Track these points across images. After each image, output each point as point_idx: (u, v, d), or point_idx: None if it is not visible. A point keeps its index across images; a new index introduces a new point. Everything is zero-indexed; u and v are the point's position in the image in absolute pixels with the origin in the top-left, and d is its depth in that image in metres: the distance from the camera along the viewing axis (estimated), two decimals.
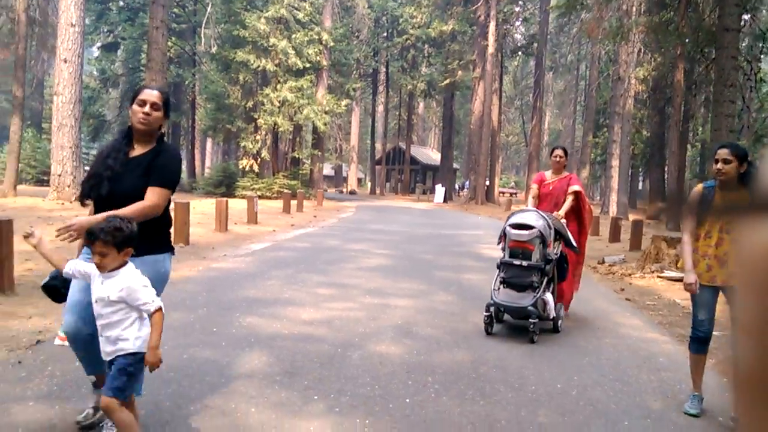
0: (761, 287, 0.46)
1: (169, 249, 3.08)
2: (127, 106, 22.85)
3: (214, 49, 26.62)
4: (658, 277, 8.66)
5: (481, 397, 3.77)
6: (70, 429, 3.03)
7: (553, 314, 5.23)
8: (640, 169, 37.32)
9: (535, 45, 36.42)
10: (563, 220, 5.57)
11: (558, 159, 6.00)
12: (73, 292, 2.87)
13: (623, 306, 7.11)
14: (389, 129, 53.56)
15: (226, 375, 3.94)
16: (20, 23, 18.44)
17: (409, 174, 45.92)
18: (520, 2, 34.00)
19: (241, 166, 26.26)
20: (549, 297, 5.15)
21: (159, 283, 2.88)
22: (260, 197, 23.08)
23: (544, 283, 5.14)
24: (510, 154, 75.79)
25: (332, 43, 27.19)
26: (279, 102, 24.78)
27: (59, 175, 16.03)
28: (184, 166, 41.80)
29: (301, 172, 28.70)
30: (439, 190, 35.65)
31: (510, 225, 5.29)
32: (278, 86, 25.03)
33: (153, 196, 2.89)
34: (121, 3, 34.24)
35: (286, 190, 20.83)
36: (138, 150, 2.97)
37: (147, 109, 2.88)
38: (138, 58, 33.76)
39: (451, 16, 31.30)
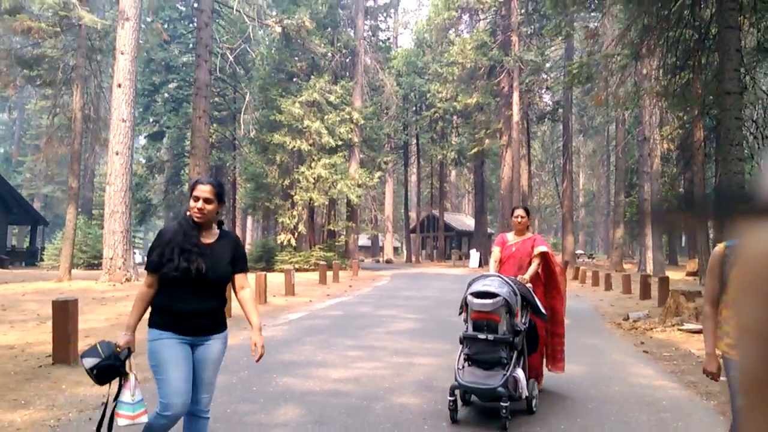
0: (764, 290, 0.47)
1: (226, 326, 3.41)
2: (171, 190, 24.55)
3: (252, 134, 28.38)
4: (678, 330, 8.93)
5: (496, 419, 4.23)
6: None
7: (526, 393, 4.66)
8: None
9: (561, 110, 37.43)
10: (529, 285, 5.11)
11: (520, 219, 5.63)
12: (178, 375, 3.05)
13: (639, 358, 7.43)
14: (422, 198, 54.73)
15: (264, 424, 4.53)
16: (76, 120, 20.28)
17: (444, 240, 46.47)
18: (543, 73, 35.22)
19: (279, 241, 27.32)
20: (520, 374, 4.61)
21: (223, 353, 3.34)
22: (298, 270, 23.93)
23: (514, 358, 4.62)
24: (546, 216, 75.93)
25: (362, 121, 28.63)
26: (314, 179, 26.04)
27: (111, 259, 17.18)
28: None
29: (337, 243, 29.60)
30: (474, 255, 36.00)
31: (471, 294, 4.74)
32: (313, 164, 26.37)
33: (246, 282, 3.30)
34: (166, 95, 36.88)
35: (322, 262, 21.64)
36: (206, 237, 3.18)
37: (200, 204, 3.09)
38: (182, 145, 36.00)
39: (476, 89, 32.62)
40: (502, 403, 4.37)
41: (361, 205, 32.27)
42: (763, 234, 0.46)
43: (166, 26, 35.04)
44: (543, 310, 5.00)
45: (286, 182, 26.67)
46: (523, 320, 4.79)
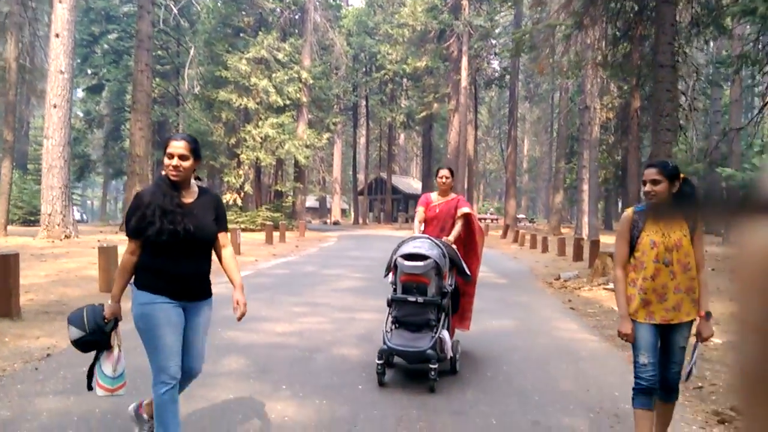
0: (763, 287, 0.47)
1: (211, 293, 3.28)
2: (111, 146, 23.90)
3: (197, 90, 27.65)
4: (604, 289, 9.57)
5: (422, 380, 4.58)
6: (84, 414, 3.80)
7: (450, 353, 4.68)
8: (613, 193, 38.65)
9: (508, 77, 37.97)
10: (453, 246, 5.08)
11: (444, 180, 5.54)
12: (173, 338, 2.97)
13: (566, 314, 7.98)
14: (371, 160, 54.81)
15: (209, 374, 4.72)
16: (11, 71, 19.34)
17: (392, 203, 46.92)
18: (491, 39, 35.52)
19: (225, 201, 27.04)
20: (446, 335, 4.60)
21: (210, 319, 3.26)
22: (244, 230, 23.85)
23: (442, 320, 4.61)
24: (490, 181, 77.50)
25: (311, 81, 28.33)
26: (261, 138, 25.77)
27: (49, 215, 16.71)
28: None
29: (284, 204, 29.54)
30: None
31: (402, 256, 4.65)
32: (260, 123, 26.05)
33: (227, 240, 3.19)
34: (106, 46, 35.31)
35: (269, 223, 21.64)
36: (186, 196, 3.02)
37: (175, 161, 2.91)
38: (123, 99, 34.74)
39: (425, 53, 32.67)
40: (430, 365, 4.31)
41: (309, 166, 32.16)
42: (763, 230, 0.47)
43: None
44: (467, 272, 5.05)
45: (232, 141, 26.30)
46: (449, 282, 4.77)
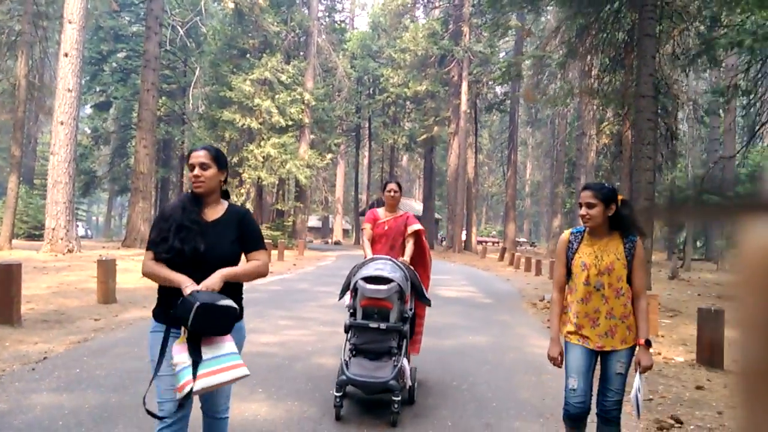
0: (763, 286, 0.48)
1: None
2: (117, 162, 24.37)
3: (201, 109, 28.27)
4: None
5: (381, 410, 4.91)
6: (74, 408, 4.17)
7: (410, 382, 4.42)
8: None
9: (508, 102, 38.59)
10: (411, 267, 4.80)
11: (393, 194, 5.25)
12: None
13: (541, 332, 8.30)
14: (374, 181, 55.33)
15: None
16: (21, 88, 19.95)
17: None
18: (491, 65, 36.17)
19: None
20: (406, 363, 4.33)
21: (240, 347, 2.85)
22: None
23: (403, 346, 4.35)
24: (493, 205, 77.93)
25: (314, 102, 28.93)
26: (263, 157, 26.29)
27: (53, 229, 17.16)
28: None
29: (285, 223, 29.95)
30: None
31: (363, 278, 4.33)
32: (262, 143, 26.59)
33: (263, 256, 2.83)
34: (114, 65, 36.12)
35: (268, 241, 21.95)
36: (211, 212, 2.79)
37: (197, 171, 2.72)
38: (129, 116, 35.47)
39: (426, 77, 33.30)
40: (393, 397, 4.04)
41: (311, 186, 32.65)
42: (763, 230, 0.48)
43: None
44: (427, 296, 4.83)
45: (235, 160, 26.80)
46: (410, 306, 4.54)
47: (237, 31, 28.21)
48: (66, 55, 17.37)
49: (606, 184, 3.18)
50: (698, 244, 26.25)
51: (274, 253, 21.09)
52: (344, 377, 4.12)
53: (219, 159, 2.79)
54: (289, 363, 5.75)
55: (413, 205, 55.87)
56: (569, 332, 3.11)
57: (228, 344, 2.59)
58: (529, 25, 19.63)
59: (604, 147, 29.82)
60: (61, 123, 17.32)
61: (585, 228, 3.17)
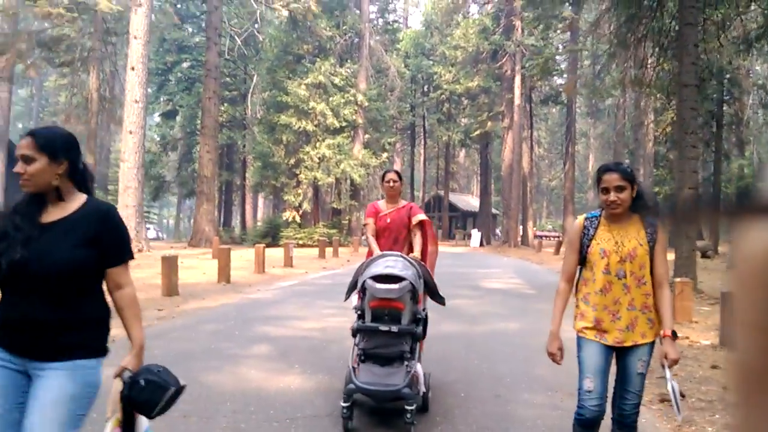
0: (763, 287, 0.48)
1: (105, 351, 2.24)
2: (184, 167, 25.68)
3: (260, 114, 29.46)
4: None
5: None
6: None
7: (423, 388, 4.02)
8: None
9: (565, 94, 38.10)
10: (423, 264, 4.51)
11: (392, 184, 4.93)
12: None
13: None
14: (430, 178, 55.63)
15: (239, 355, 5.73)
16: (93, 101, 21.55)
17: (449, 220, 47.49)
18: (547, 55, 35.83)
19: (285, 218, 28.57)
20: (419, 368, 3.97)
21: (86, 399, 2.13)
22: (302, 245, 25.19)
23: (417, 350, 4.02)
24: (553, 199, 76.67)
25: (367, 103, 29.61)
26: (318, 158, 27.19)
27: None
28: (237, 220, 44.98)
29: (341, 221, 30.82)
30: (475, 234, 37.09)
31: (372, 277, 3.94)
32: (317, 144, 27.50)
33: (127, 277, 2.23)
34: (179, 74, 38.01)
35: (324, 238, 22.82)
36: (54, 211, 2.15)
37: (19, 167, 2.09)
38: (195, 123, 37.19)
39: (478, 73, 33.39)
40: (407, 407, 3.65)
41: (367, 185, 33.39)
42: (763, 231, 0.48)
43: (179, 6, 36.11)
44: (441, 295, 4.47)
45: (292, 161, 27.83)
46: (423, 306, 4.22)
47: (292, 38, 29.23)
48: (132, 68, 18.67)
49: (624, 164, 2.92)
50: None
51: (329, 250, 21.84)
52: (352, 386, 3.72)
53: (49, 147, 2.10)
54: (326, 345, 6.29)
55: (470, 200, 55.83)
56: (585, 327, 2.83)
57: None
58: (577, 18, 19.54)
59: (663, 136, 29.17)
60: (130, 132, 18.63)
61: (601, 212, 2.87)
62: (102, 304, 2.23)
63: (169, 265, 9.93)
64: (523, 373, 5.36)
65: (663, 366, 2.73)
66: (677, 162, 11.53)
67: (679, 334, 3.01)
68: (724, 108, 25.98)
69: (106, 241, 2.15)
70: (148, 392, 2.05)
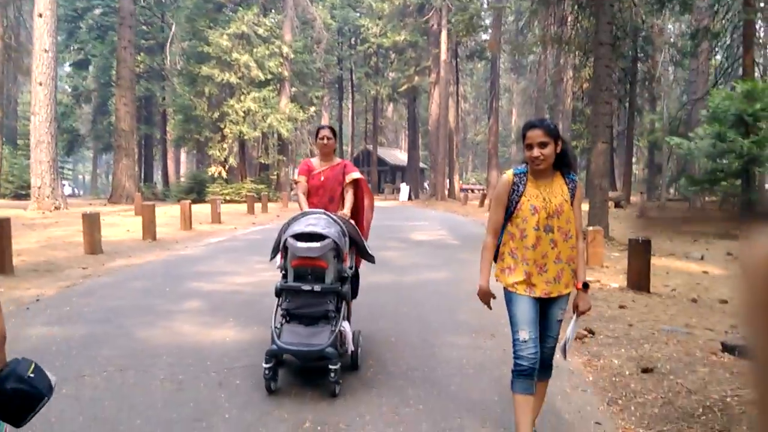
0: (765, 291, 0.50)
1: None
2: (99, 121, 24.59)
3: (180, 65, 28.23)
4: None
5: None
6: (66, 337, 4.80)
7: (352, 347, 4.03)
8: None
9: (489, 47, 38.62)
10: (351, 221, 4.48)
11: (326, 141, 4.77)
12: None
13: None
14: (358, 133, 55.49)
15: (171, 311, 5.75)
16: None
17: (378, 175, 47.79)
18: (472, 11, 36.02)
19: (210, 173, 27.91)
20: (347, 326, 3.97)
21: None
22: (229, 201, 24.78)
23: (342, 309, 3.94)
24: (479, 152, 78.36)
25: (293, 55, 28.96)
26: (243, 112, 26.54)
27: (39, 188, 17.58)
28: (158, 176, 43.42)
29: (270, 176, 30.43)
30: (404, 188, 37.61)
31: (293, 236, 3.86)
32: (242, 97, 26.78)
33: None
34: (91, 22, 35.68)
35: (252, 194, 22.55)
36: None
37: None
38: (109, 74, 35.25)
39: (405, 27, 33.23)
40: (331, 366, 3.63)
41: (296, 140, 32.94)
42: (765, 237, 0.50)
43: None
44: (370, 253, 4.43)
45: (216, 115, 27.04)
46: (349, 264, 4.14)
47: None
48: (40, 15, 17.41)
49: (548, 120, 2.95)
50: (675, 186, 27.02)
51: (258, 205, 21.64)
52: (275, 347, 3.68)
53: None
54: (260, 299, 6.39)
55: (398, 155, 56.25)
56: (516, 282, 2.85)
57: None
58: None
59: (580, 92, 30.32)
60: (40, 84, 17.51)
61: (527, 168, 2.89)
62: None
63: (91, 222, 9.63)
64: (448, 318, 5.68)
65: (573, 314, 2.92)
66: (592, 117, 12.13)
67: (590, 278, 3.18)
68: (638, 65, 27.25)
69: None
70: (17, 403, 1.58)
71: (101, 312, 5.66)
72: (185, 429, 3.18)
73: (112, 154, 35.52)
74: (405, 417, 3.40)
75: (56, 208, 17.58)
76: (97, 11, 35.30)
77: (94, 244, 9.50)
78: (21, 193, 28.06)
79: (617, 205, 21.72)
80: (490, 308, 3.03)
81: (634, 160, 39.23)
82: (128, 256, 9.47)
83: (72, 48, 36.02)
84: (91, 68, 37.39)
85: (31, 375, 1.61)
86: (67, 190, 42.90)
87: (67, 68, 38.53)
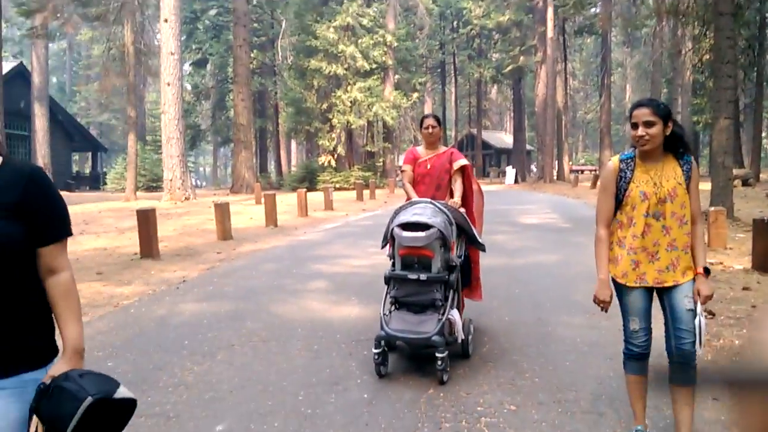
0: None
1: (54, 354, 1.65)
2: (218, 116, 26.19)
3: (290, 59, 29.53)
4: None
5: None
6: (214, 313, 5.45)
7: (462, 335, 4.00)
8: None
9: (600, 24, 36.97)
10: (462, 210, 4.43)
11: (431, 130, 4.75)
12: None
13: None
14: (462, 116, 55.18)
15: (300, 290, 6.31)
16: (129, 54, 21.92)
17: (483, 159, 47.39)
18: None
19: (320, 163, 29.08)
20: (456, 315, 3.95)
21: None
22: (338, 189, 25.74)
23: (450, 298, 3.94)
24: (589, 132, 75.21)
25: (396, 43, 29.38)
26: (350, 102, 27.36)
27: (171, 180, 19.26)
28: (272, 166, 45.64)
29: (376, 164, 31.18)
30: (510, 171, 37.10)
31: (399, 225, 3.93)
32: (349, 88, 27.61)
33: (64, 260, 1.67)
34: (207, 22, 38.07)
35: (360, 181, 23.30)
36: None
37: None
38: (225, 71, 37.52)
39: (508, 6, 32.59)
40: (438, 354, 3.67)
41: (399, 127, 33.46)
42: None
43: None
44: (480, 240, 4.41)
45: (324, 106, 28.07)
46: (458, 253, 4.17)
47: None
48: (166, 20, 18.95)
49: (659, 101, 2.82)
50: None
51: (366, 192, 22.34)
52: (383, 332, 3.79)
53: None
54: (376, 280, 6.76)
55: (503, 137, 55.35)
56: (624, 273, 2.77)
57: None
58: None
59: (701, 64, 28.30)
60: (168, 84, 19.09)
61: (635, 153, 2.79)
62: (44, 296, 1.63)
63: (222, 211, 10.53)
64: (561, 298, 5.80)
65: (695, 301, 2.72)
66: (714, 92, 11.49)
67: (712, 260, 3.01)
68: (766, 32, 25.01)
69: (34, 211, 1.58)
70: (54, 403, 1.46)
71: (241, 291, 6.31)
72: (325, 390, 3.62)
73: (230, 147, 37.87)
74: (522, 388, 3.63)
75: (186, 198, 19.18)
76: (212, 12, 37.57)
77: (225, 231, 10.40)
78: (152, 185, 30.71)
79: (745, 183, 20.29)
80: (606, 311, 2.84)
81: (764, 134, 36.10)
82: (255, 242, 10.28)
83: (191, 48, 38.62)
84: (208, 66, 39.92)
85: (83, 374, 1.51)
86: (193, 181, 46.11)
87: (187, 67, 41.38)
